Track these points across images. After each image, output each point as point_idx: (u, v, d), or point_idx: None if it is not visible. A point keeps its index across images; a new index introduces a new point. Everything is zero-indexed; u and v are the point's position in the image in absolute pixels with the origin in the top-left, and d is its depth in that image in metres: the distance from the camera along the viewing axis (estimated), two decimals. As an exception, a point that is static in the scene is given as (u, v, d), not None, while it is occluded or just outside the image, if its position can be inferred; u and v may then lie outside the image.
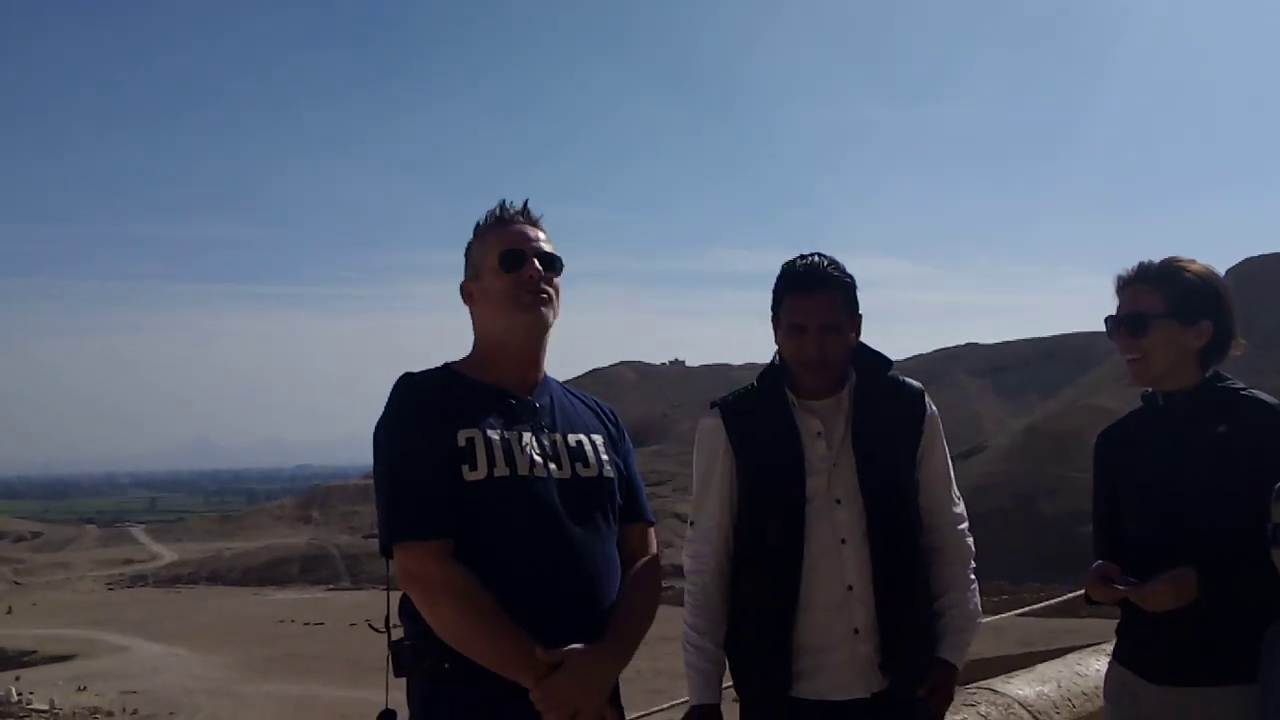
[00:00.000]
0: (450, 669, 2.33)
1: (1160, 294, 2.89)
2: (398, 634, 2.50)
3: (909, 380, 2.90)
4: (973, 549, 2.91)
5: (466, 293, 2.62)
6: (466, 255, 2.63)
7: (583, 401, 2.70)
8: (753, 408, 2.88)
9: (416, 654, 2.36)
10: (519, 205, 2.61)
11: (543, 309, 2.55)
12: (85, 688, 60.42)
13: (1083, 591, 3.01)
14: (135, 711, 54.53)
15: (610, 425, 2.68)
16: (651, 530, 2.70)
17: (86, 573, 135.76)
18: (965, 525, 2.92)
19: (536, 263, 2.54)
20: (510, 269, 2.52)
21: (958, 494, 2.92)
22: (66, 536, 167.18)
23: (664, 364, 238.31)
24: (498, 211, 2.60)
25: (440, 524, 2.33)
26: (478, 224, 2.61)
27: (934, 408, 2.89)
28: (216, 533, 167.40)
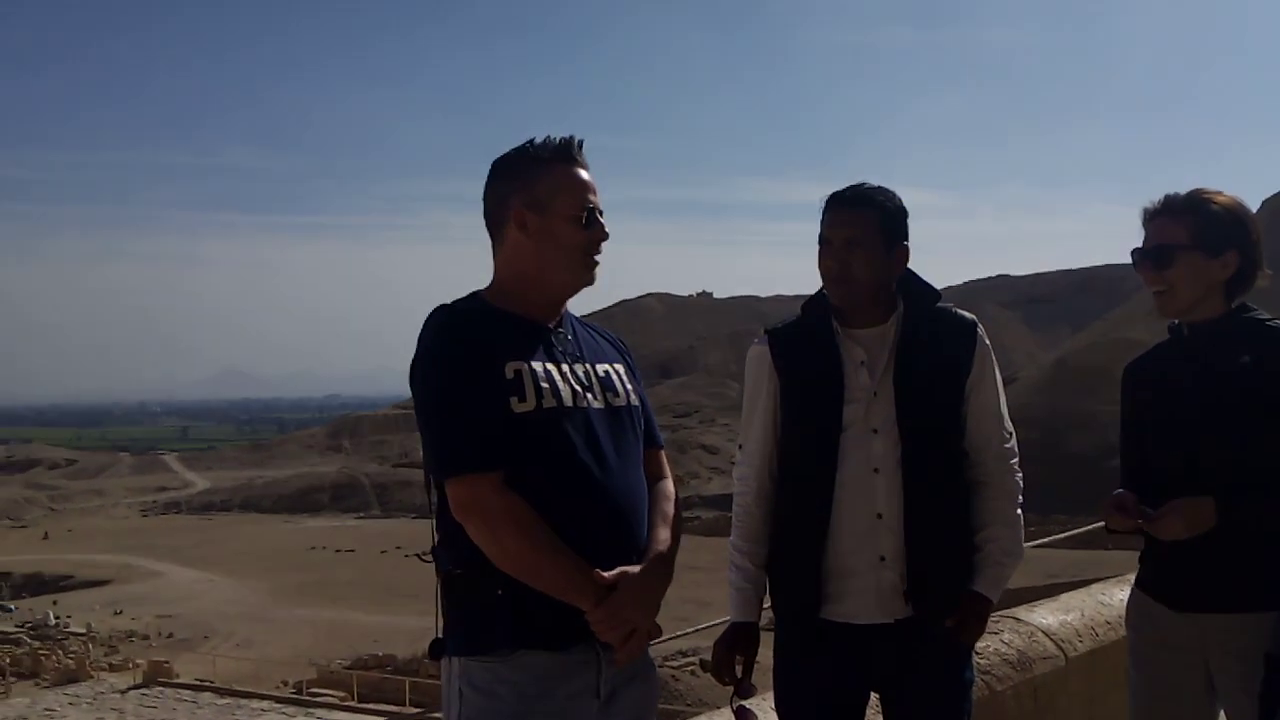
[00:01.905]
0: (503, 595, 2.36)
1: (1185, 226, 2.86)
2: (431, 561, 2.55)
3: (961, 311, 2.88)
4: (1020, 485, 2.87)
5: (521, 221, 2.51)
6: (521, 177, 2.52)
7: (598, 333, 2.72)
8: (799, 336, 2.89)
9: (471, 583, 2.39)
10: (577, 144, 2.54)
11: (597, 270, 2.58)
12: (121, 612, 61.66)
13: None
14: (170, 635, 55.61)
15: (626, 355, 2.72)
16: (664, 454, 2.74)
17: (121, 500, 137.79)
18: (1015, 461, 2.88)
19: (604, 225, 2.55)
20: (591, 226, 2.52)
21: (1010, 429, 2.89)
22: (100, 464, 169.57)
23: (691, 295, 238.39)
24: (565, 143, 2.53)
25: (495, 455, 2.35)
26: (535, 147, 2.53)
27: (986, 340, 2.85)
28: (248, 461, 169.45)
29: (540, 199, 2.50)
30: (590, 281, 2.58)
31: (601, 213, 2.55)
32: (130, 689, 41.00)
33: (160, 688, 40.84)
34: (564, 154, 2.53)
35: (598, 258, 2.56)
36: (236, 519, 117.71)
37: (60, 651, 47.96)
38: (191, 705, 38.59)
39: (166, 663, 43.82)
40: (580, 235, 2.51)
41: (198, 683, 41.57)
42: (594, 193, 2.54)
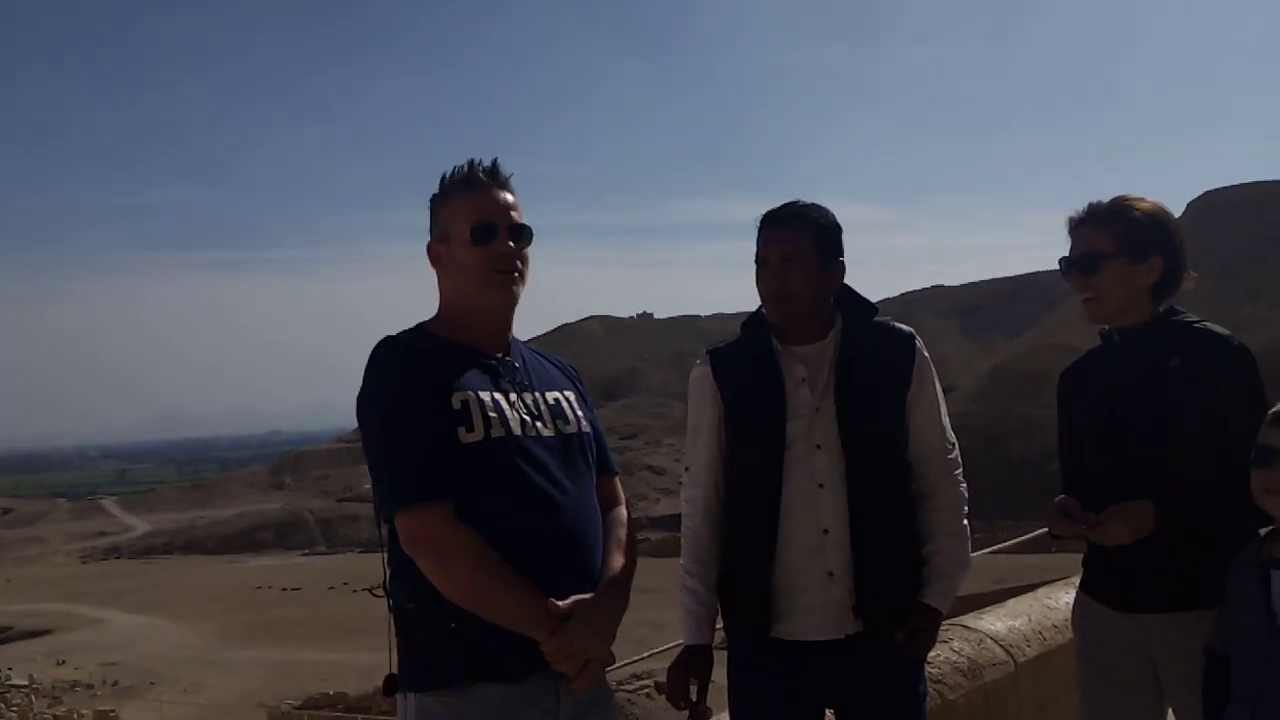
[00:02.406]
0: (456, 628, 2.35)
1: (1110, 233, 2.92)
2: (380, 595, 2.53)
3: (899, 325, 2.91)
4: (965, 495, 2.91)
5: (434, 255, 2.58)
6: (432, 213, 2.58)
7: (549, 360, 2.72)
8: (740, 355, 2.91)
9: (424, 616, 2.38)
10: (487, 164, 2.55)
11: (514, 286, 2.55)
12: (64, 661, 60.34)
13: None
14: (116, 683, 54.51)
15: (577, 382, 2.72)
16: (617, 480, 2.73)
17: (60, 547, 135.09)
18: (959, 471, 2.91)
19: (508, 238, 2.53)
20: (481, 242, 2.50)
21: (952, 440, 2.93)
22: (38, 511, 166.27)
23: (632, 317, 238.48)
24: (465, 171, 2.54)
25: (445, 486, 2.34)
26: (444, 180, 2.56)
27: (925, 352, 2.89)
28: (189, 502, 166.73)
29: (443, 229, 2.54)
30: (504, 299, 2.54)
31: (516, 228, 2.53)
32: (76, 740, 40.12)
33: (107, 737, 40.02)
34: (462, 181, 2.54)
35: (511, 273, 2.52)
36: (179, 561, 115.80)
37: (2, 704, 46.83)
38: (140, 754, 37.85)
39: (112, 712, 42.93)
40: (473, 253, 2.50)
41: (146, 730, 40.77)
42: (497, 210, 2.52)
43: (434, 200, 2.58)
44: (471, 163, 2.54)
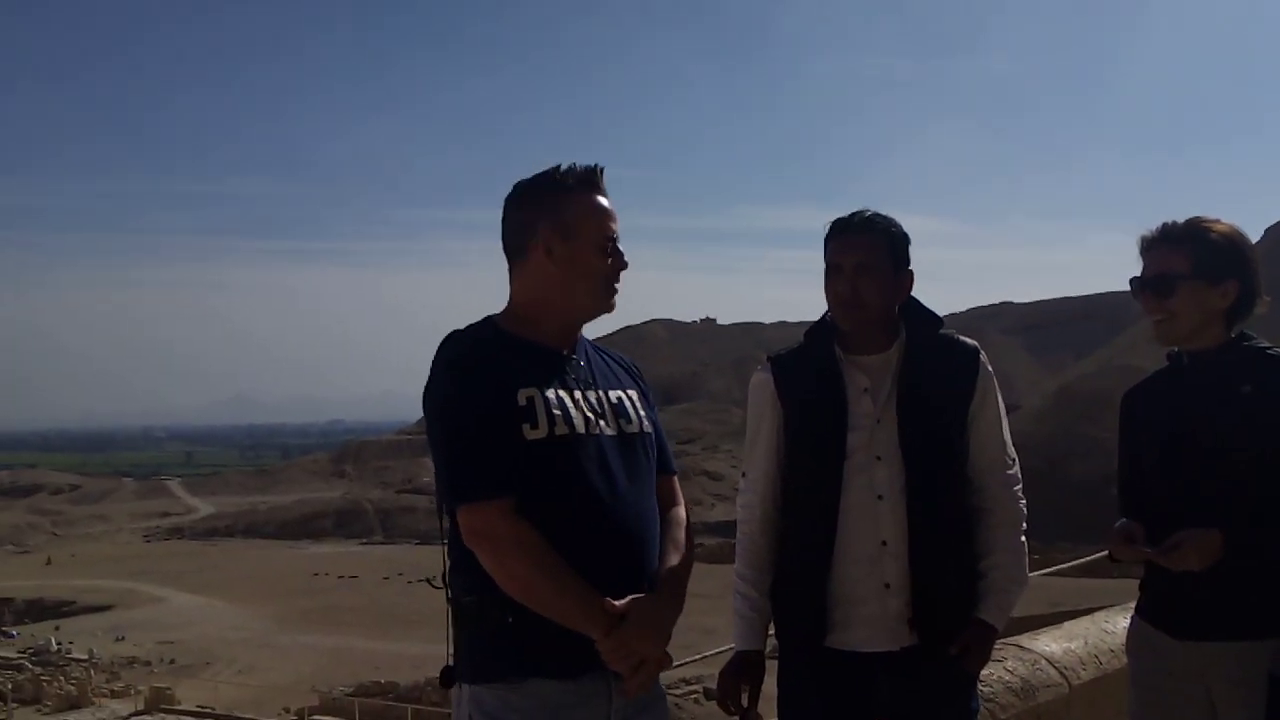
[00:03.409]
0: (513, 623, 2.37)
1: (1185, 255, 2.88)
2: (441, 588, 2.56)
3: (963, 338, 2.90)
4: (1024, 512, 2.89)
5: (547, 245, 2.50)
6: (544, 203, 2.52)
7: (613, 359, 2.73)
8: (802, 363, 2.91)
9: (481, 610, 2.40)
10: (600, 172, 2.56)
11: (617, 297, 2.60)
12: (123, 638, 61.43)
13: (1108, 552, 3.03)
14: (173, 661, 55.36)
15: (639, 381, 2.72)
16: (676, 480, 2.74)
17: (124, 525, 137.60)
18: (1018, 487, 2.90)
19: (623, 254, 2.57)
20: (615, 255, 2.55)
21: (1013, 455, 2.91)
22: (104, 489, 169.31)
23: (695, 322, 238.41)
24: (588, 171, 2.54)
25: (507, 482, 2.35)
26: (563, 173, 2.53)
27: (989, 367, 2.88)
28: (252, 486, 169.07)
29: (567, 225, 2.50)
30: (610, 309, 2.59)
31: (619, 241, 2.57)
32: (132, 715, 40.78)
33: (162, 714, 40.62)
34: (589, 181, 2.54)
35: (618, 285, 2.58)
36: (239, 544, 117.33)
37: (62, 678, 47.71)
38: (193, 732, 38.41)
39: (168, 689, 43.58)
40: (604, 263, 2.53)
41: (199, 709, 41.31)
42: (615, 221, 2.56)
43: (548, 188, 2.52)
44: (596, 165, 2.55)
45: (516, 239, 2.56)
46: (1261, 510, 2.74)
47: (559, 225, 2.50)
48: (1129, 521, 2.89)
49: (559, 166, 2.54)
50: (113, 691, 46.26)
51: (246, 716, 39.95)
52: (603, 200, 2.55)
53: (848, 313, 2.82)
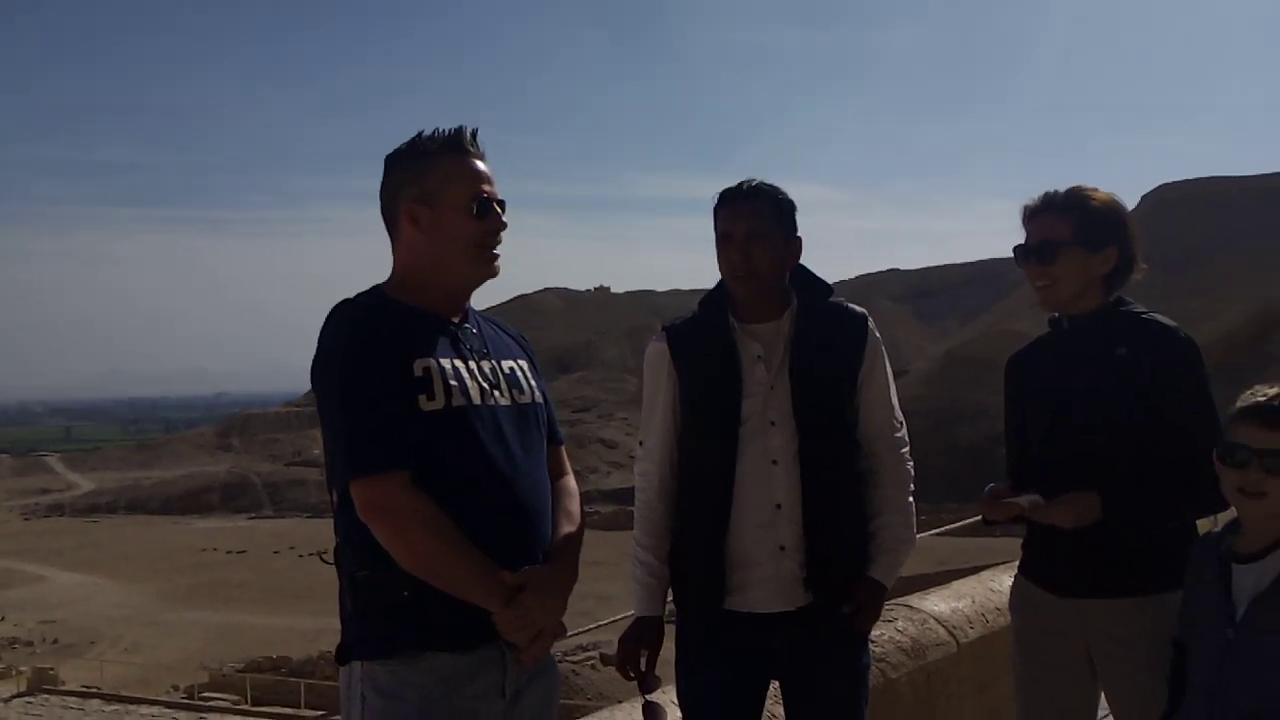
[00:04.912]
0: (409, 597, 2.33)
1: (1067, 222, 2.95)
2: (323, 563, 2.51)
3: (852, 305, 2.95)
4: (911, 474, 2.96)
5: (410, 215, 2.47)
6: (407, 171, 2.49)
7: (502, 329, 2.70)
8: (697, 332, 2.94)
9: (376, 585, 2.36)
10: (469, 134, 2.50)
11: (498, 261, 2.54)
12: (3, 618, 59.76)
13: None
14: (55, 641, 54.04)
15: (528, 351, 2.70)
16: (564, 450, 2.74)
17: (1, 503, 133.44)
18: (906, 450, 2.97)
19: (502, 213, 2.51)
20: (484, 215, 2.48)
21: (900, 419, 2.98)
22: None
23: (589, 290, 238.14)
24: (453, 134, 2.49)
25: (404, 454, 2.32)
26: (425, 139, 2.49)
27: (877, 333, 2.93)
28: (134, 461, 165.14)
29: (430, 192, 2.46)
30: (491, 274, 2.54)
31: (500, 202, 2.52)
32: (14, 697, 39.74)
33: (46, 695, 39.67)
34: (454, 145, 2.49)
35: (497, 250, 2.53)
36: (123, 521, 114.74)
37: (-61, 660, 46.31)
38: (79, 713, 37.55)
39: (52, 669, 42.56)
40: (472, 225, 2.47)
41: (85, 689, 40.46)
42: (489, 182, 2.50)
43: (411, 157, 2.49)
44: (461, 128, 2.50)
45: (388, 210, 2.52)
46: (1136, 472, 2.83)
47: (421, 193, 2.47)
48: (996, 484, 2.98)
49: (421, 133, 2.50)
50: (-8, 674, 44.97)
51: (133, 696, 39.18)
52: (470, 161, 2.49)
53: (741, 281, 2.84)
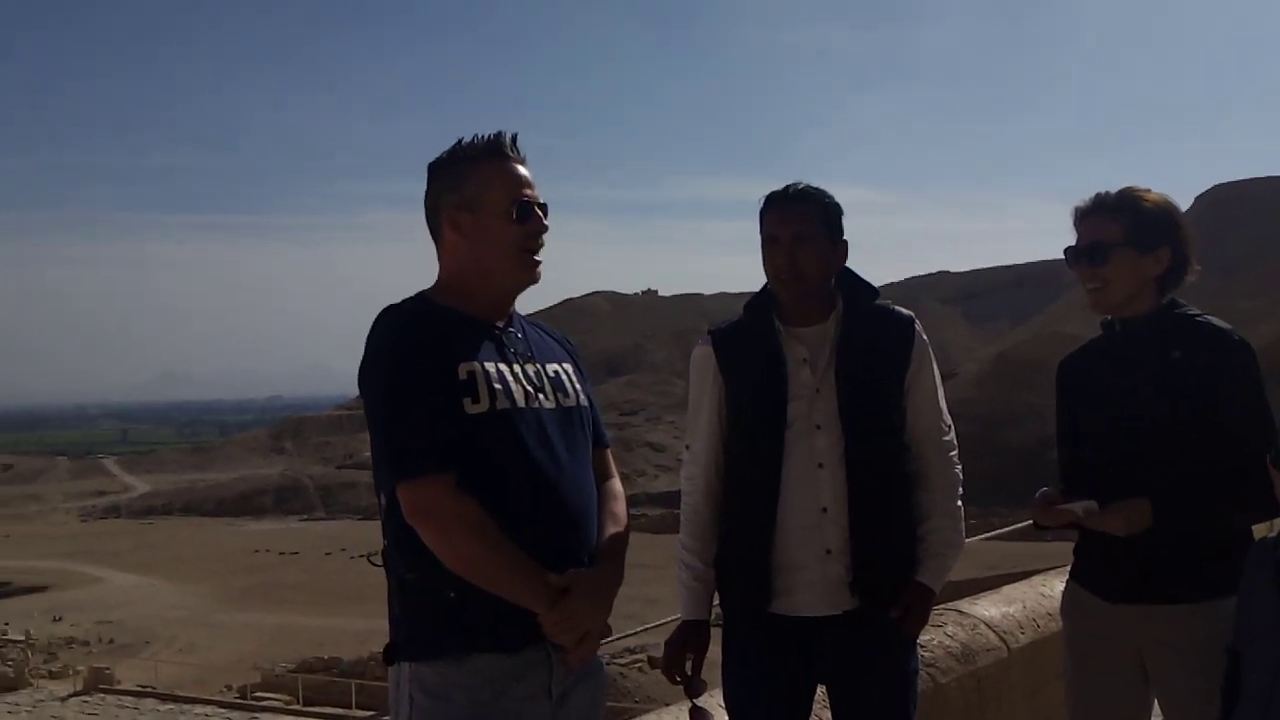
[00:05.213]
0: (455, 599, 2.35)
1: (1119, 223, 2.93)
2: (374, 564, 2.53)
3: (898, 308, 2.94)
4: (960, 477, 2.94)
5: (454, 221, 2.50)
6: (449, 177, 2.52)
7: (546, 332, 2.71)
8: (742, 336, 2.93)
9: (423, 586, 2.38)
10: (509, 139, 2.53)
11: (540, 266, 2.56)
12: (60, 618, 60.62)
13: None
14: (111, 641, 54.74)
15: (574, 355, 2.71)
16: (610, 453, 2.74)
17: (59, 505, 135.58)
18: (954, 453, 2.94)
19: (544, 217, 2.53)
20: (524, 219, 2.50)
21: (948, 422, 2.96)
22: (38, 469, 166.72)
23: (637, 294, 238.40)
24: (494, 139, 2.51)
25: (449, 457, 2.33)
26: (465, 145, 2.52)
27: (924, 336, 2.91)
28: (189, 464, 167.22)
29: (471, 197, 2.48)
30: (533, 279, 2.55)
31: (542, 206, 2.53)
32: (70, 696, 40.31)
33: (101, 694, 40.18)
34: (493, 150, 2.50)
35: (539, 255, 2.54)
36: (178, 523, 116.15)
37: (-2, 659, 47.06)
38: (134, 711, 38.01)
39: (107, 669, 43.11)
40: (513, 230, 2.48)
41: (139, 689, 40.96)
42: (529, 186, 2.51)
43: (451, 164, 2.52)
44: (501, 134, 2.52)
45: (431, 217, 2.55)
46: (1190, 476, 2.79)
47: (462, 200, 2.49)
48: (1048, 489, 2.95)
49: (461, 140, 2.52)
50: (51, 673, 45.68)
51: (187, 695, 39.62)
52: (510, 166, 2.51)
53: (787, 284, 2.84)
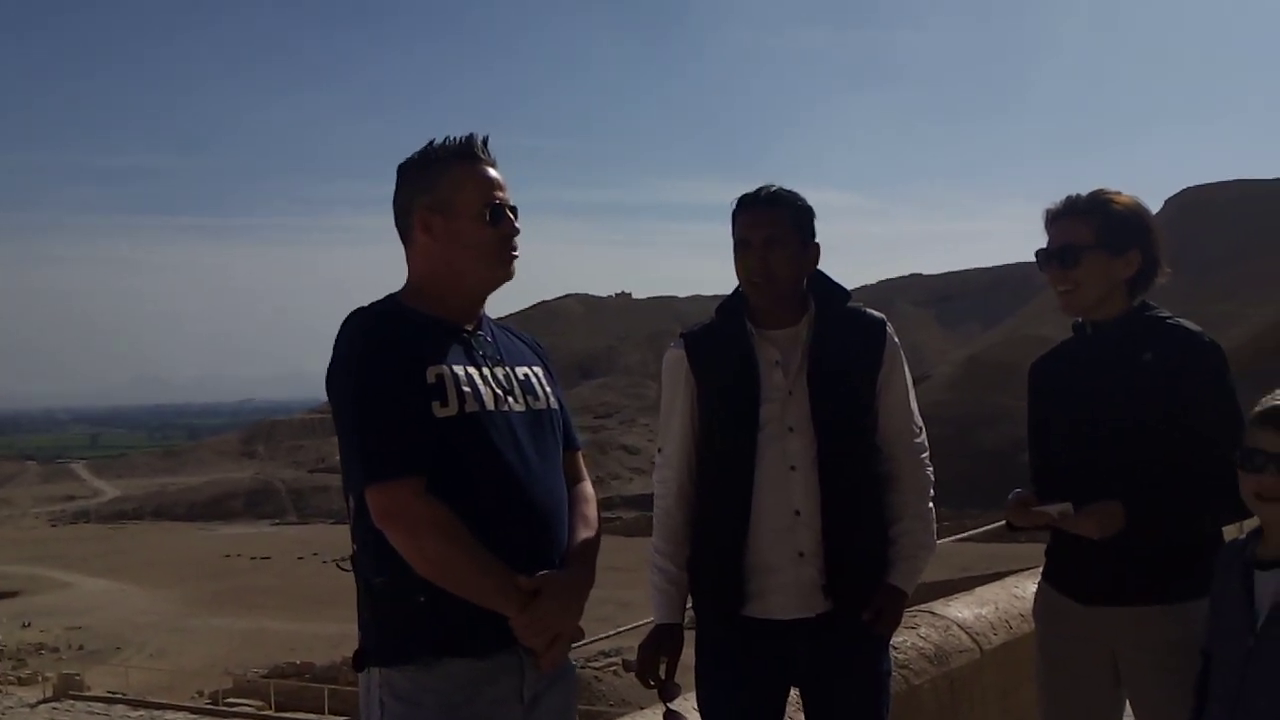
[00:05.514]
0: (426, 603, 2.34)
1: (1089, 226, 2.94)
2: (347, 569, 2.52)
3: (870, 310, 2.95)
4: (931, 479, 2.96)
5: (425, 224, 2.50)
6: (419, 180, 2.51)
7: (515, 335, 2.71)
8: (715, 338, 2.93)
9: (392, 591, 2.37)
10: (480, 141, 2.52)
11: (514, 265, 2.56)
12: (29, 624, 60.12)
13: None
14: (81, 647, 54.34)
15: (544, 358, 2.72)
16: (580, 455, 2.74)
17: (28, 509, 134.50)
18: (925, 455, 2.96)
19: (516, 219, 2.53)
20: (496, 222, 2.50)
21: (919, 424, 2.97)
22: (7, 473, 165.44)
23: (610, 296, 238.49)
24: (464, 142, 2.51)
25: (418, 460, 2.33)
26: (436, 147, 2.51)
27: (895, 338, 2.93)
28: (160, 468, 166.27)
29: (443, 199, 2.48)
30: (508, 276, 2.55)
31: (513, 209, 2.53)
32: (40, 703, 39.93)
33: (71, 701, 39.84)
34: (465, 153, 2.50)
35: (514, 253, 2.54)
36: (148, 527, 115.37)
37: (-34, 666, 46.62)
38: (104, 718, 37.72)
39: (77, 675, 42.78)
40: (486, 232, 2.48)
41: (110, 695, 40.64)
42: (501, 189, 2.51)
43: (423, 165, 2.51)
44: (472, 136, 2.51)
45: (401, 221, 2.54)
46: (1160, 479, 2.80)
47: (434, 202, 2.48)
48: (1022, 490, 2.96)
49: (433, 141, 2.52)
50: (19, 679, 45.27)
51: (158, 701, 39.35)
52: (482, 169, 2.50)
53: (759, 287, 2.84)
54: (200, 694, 41.69)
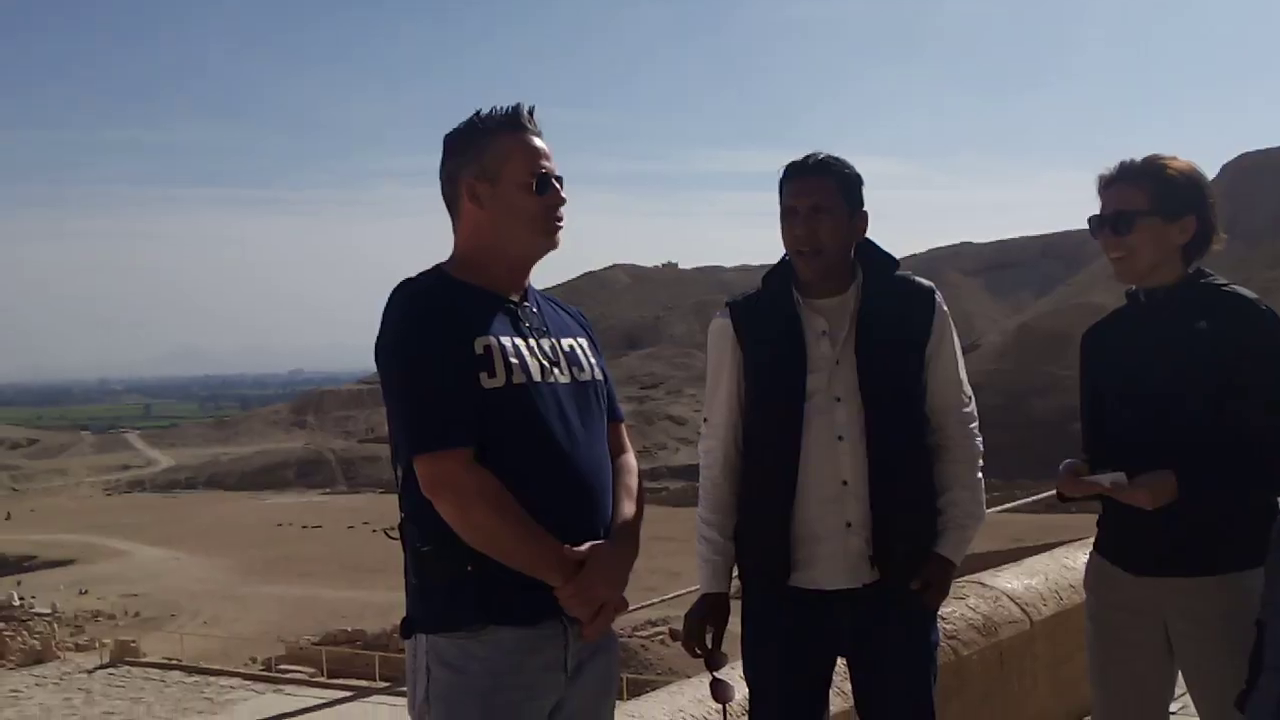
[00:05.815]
0: (472, 571, 2.36)
1: (1143, 191, 2.88)
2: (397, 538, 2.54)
3: (919, 279, 2.91)
4: (980, 449, 2.93)
5: (471, 192, 2.50)
6: (465, 149, 2.51)
7: (560, 307, 2.71)
8: (761, 307, 2.91)
9: (439, 559, 2.39)
10: (527, 111, 2.52)
11: (560, 235, 2.56)
12: (86, 591, 61.32)
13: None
14: (137, 614, 55.37)
15: (588, 329, 2.71)
16: (624, 427, 2.74)
17: (84, 479, 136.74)
18: (974, 425, 2.93)
19: (562, 189, 2.53)
20: (544, 191, 2.50)
21: (969, 394, 2.94)
22: (62, 443, 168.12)
23: (657, 266, 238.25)
24: (512, 111, 2.51)
25: (466, 431, 2.34)
26: (483, 116, 2.51)
27: (944, 307, 2.89)
28: (212, 438, 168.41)
29: (490, 169, 2.48)
30: (554, 246, 2.55)
31: (559, 178, 2.53)
32: (97, 669, 40.80)
33: (127, 667, 40.65)
34: (512, 122, 2.50)
35: (559, 223, 2.54)
36: (201, 496, 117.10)
37: (25, 632, 47.51)
38: (159, 684, 38.43)
39: (133, 642, 43.62)
40: (534, 201, 2.48)
41: (165, 661, 41.39)
42: (547, 158, 2.51)
43: (469, 135, 2.51)
44: (518, 105, 2.51)
45: (448, 189, 2.54)
46: (1215, 447, 2.76)
47: (481, 171, 2.48)
48: (1073, 460, 2.92)
49: (479, 111, 2.51)
50: (77, 645, 46.20)
51: (213, 667, 40.02)
52: (528, 138, 2.50)
53: (805, 256, 2.81)
54: (253, 660, 42.40)
